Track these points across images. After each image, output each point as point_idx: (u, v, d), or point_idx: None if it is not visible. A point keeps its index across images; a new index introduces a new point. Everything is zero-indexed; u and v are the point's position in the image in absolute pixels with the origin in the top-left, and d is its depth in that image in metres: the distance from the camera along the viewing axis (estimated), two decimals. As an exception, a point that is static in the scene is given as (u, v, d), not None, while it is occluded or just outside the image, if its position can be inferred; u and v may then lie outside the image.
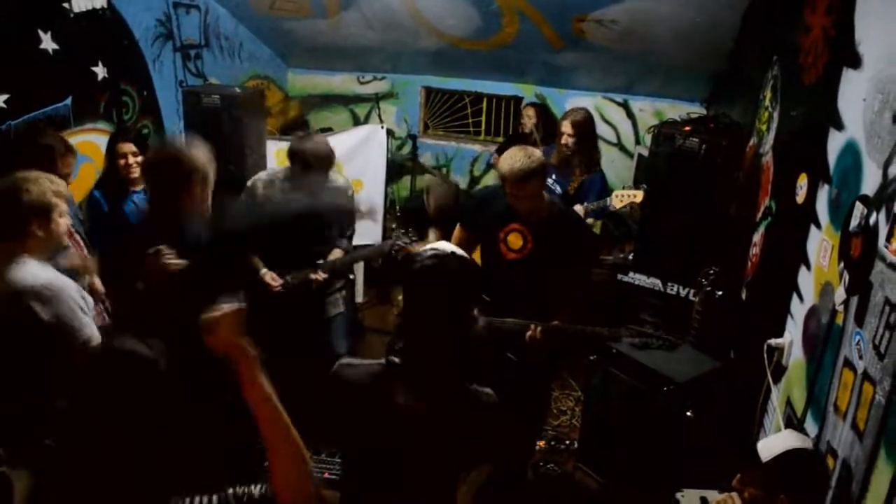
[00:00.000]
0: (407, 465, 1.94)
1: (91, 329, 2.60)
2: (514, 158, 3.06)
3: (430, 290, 1.92)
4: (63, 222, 2.64)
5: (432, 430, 1.89)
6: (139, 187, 3.84)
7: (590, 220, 4.45)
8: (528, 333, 3.15)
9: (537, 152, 3.15)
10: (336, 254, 3.94)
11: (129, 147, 3.76)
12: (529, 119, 5.36)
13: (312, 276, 3.82)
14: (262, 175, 3.92)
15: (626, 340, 3.18)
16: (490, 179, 6.31)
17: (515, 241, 3.28)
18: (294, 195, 3.73)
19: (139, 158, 3.74)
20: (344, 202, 3.92)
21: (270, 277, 3.80)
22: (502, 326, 3.20)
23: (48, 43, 3.93)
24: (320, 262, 3.85)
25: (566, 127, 4.45)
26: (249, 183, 3.89)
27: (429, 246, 1.98)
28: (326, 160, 3.67)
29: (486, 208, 3.39)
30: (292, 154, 3.67)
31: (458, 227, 3.56)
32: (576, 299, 3.33)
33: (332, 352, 4.00)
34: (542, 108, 5.62)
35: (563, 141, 4.44)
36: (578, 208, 4.26)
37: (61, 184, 2.65)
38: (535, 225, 3.24)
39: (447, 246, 1.99)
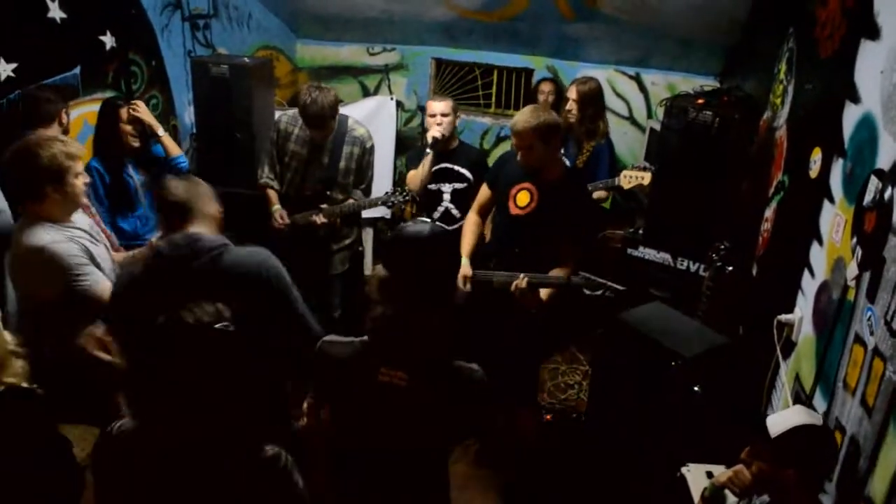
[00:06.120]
0: (393, 439, 1.96)
1: (94, 278, 2.64)
2: (523, 113, 3.40)
3: (406, 263, 1.96)
4: (79, 183, 2.66)
5: (415, 404, 1.91)
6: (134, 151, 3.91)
7: (602, 194, 4.44)
8: (515, 283, 3.31)
9: (548, 115, 3.38)
10: (348, 203, 3.96)
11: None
12: (550, 94, 5.33)
13: (314, 217, 3.85)
14: (288, 112, 4.06)
15: (574, 284, 3.38)
16: (500, 152, 6.25)
17: (523, 198, 3.49)
18: (308, 138, 3.91)
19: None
20: (360, 151, 3.95)
21: (279, 214, 3.92)
22: (493, 279, 3.42)
23: (56, 11, 3.89)
24: (323, 205, 3.87)
25: (571, 93, 4.49)
26: (276, 117, 4.12)
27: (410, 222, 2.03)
28: (315, 118, 3.72)
29: (505, 167, 3.64)
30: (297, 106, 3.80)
31: (483, 185, 3.81)
32: (570, 261, 3.46)
33: (328, 309, 4.07)
34: (557, 84, 5.58)
35: (567, 107, 4.47)
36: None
37: (74, 145, 2.67)
38: (544, 185, 3.45)
39: (426, 221, 2.04)
